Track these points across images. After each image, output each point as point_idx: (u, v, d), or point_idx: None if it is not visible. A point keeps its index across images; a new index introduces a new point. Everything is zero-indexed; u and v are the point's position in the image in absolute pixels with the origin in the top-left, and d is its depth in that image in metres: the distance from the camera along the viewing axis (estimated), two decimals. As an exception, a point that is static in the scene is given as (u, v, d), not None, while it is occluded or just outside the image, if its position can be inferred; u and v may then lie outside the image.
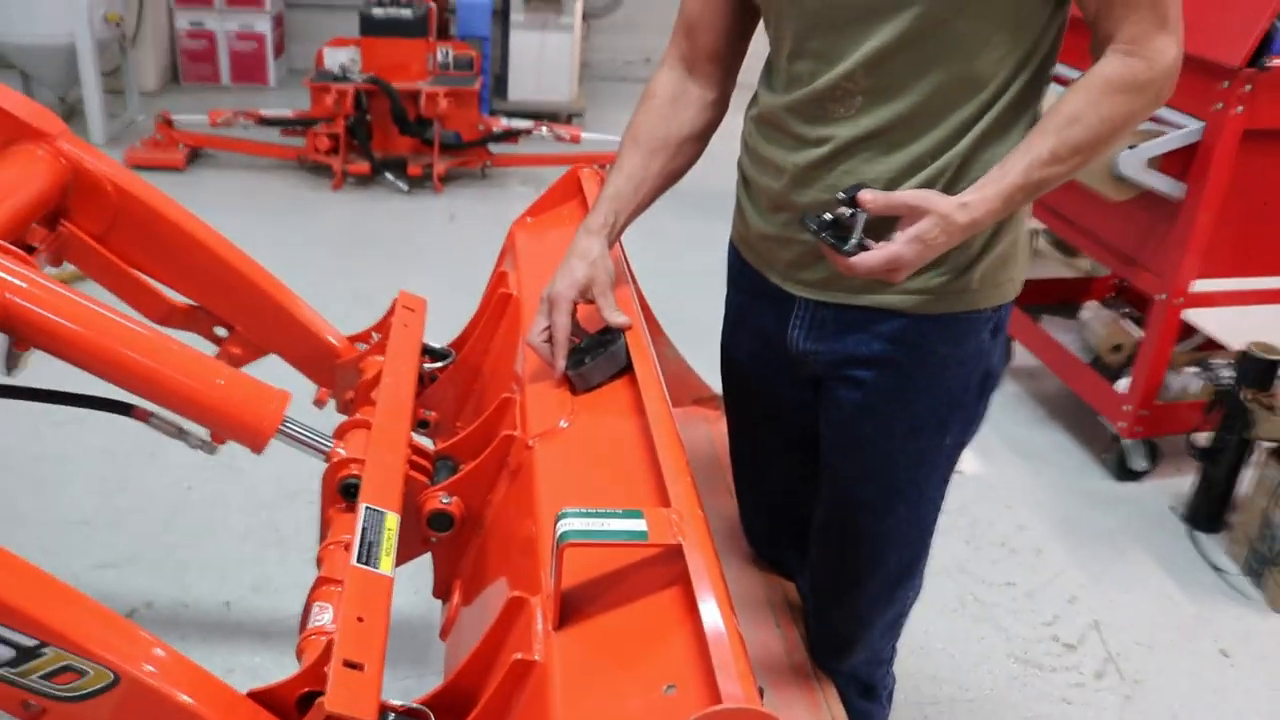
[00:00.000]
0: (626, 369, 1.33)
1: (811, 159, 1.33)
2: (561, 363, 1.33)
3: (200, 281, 1.72)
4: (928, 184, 1.27)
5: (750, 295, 1.52)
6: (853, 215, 1.23)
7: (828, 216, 1.24)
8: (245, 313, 1.73)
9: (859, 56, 1.27)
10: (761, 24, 1.45)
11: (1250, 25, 2.60)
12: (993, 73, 1.27)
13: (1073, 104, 1.23)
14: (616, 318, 1.36)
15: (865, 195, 1.21)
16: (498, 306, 1.58)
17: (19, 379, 1.35)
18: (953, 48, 1.24)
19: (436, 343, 1.70)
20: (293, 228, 4.47)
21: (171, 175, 4.91)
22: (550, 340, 1.35)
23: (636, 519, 0.96)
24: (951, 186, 1.28)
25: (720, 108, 1.53)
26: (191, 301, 1.76)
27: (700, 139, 1.51)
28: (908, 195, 1.21)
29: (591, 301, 1.39)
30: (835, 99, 1.30)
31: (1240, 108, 2.65)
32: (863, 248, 1.21)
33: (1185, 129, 2.72)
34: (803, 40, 1.33)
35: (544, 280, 1.41)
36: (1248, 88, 2.62)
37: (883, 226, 1.23)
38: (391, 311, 1.70)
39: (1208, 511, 2.96)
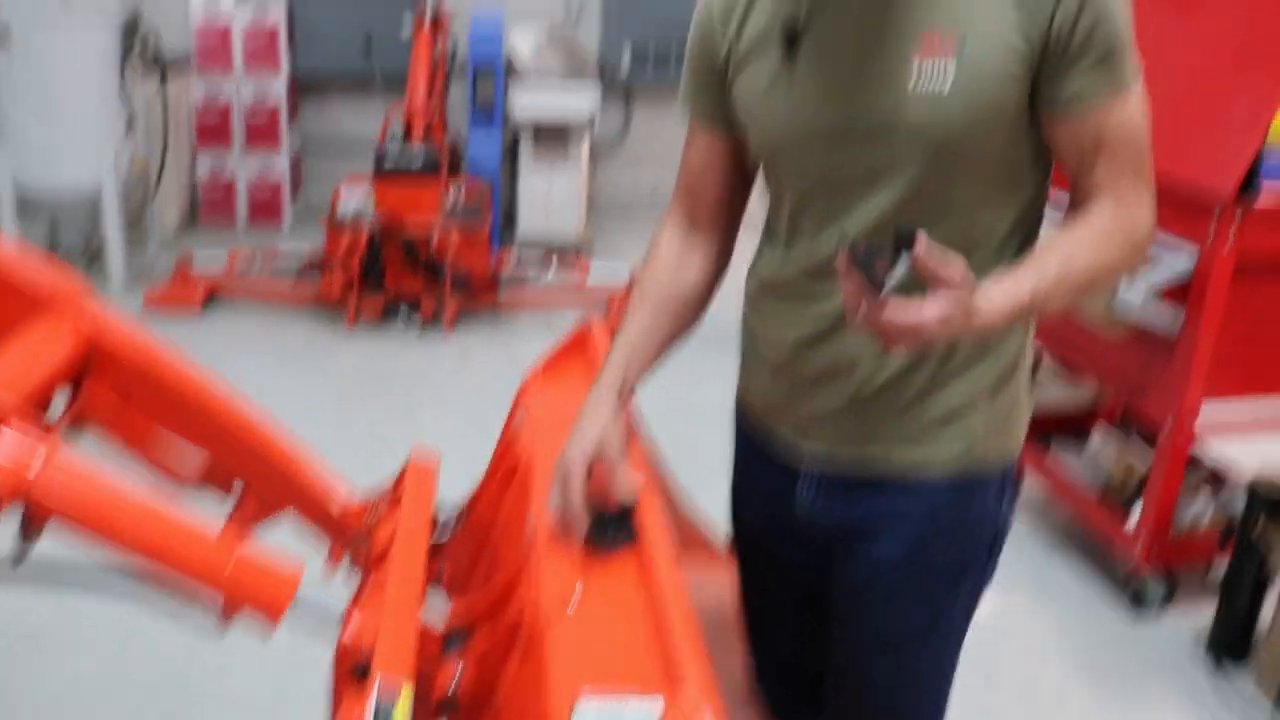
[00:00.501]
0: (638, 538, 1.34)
1: (814, 327, 1.36)
2: (577, 535, 1.32)
3: (216, 443, 1.75)
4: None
5: (757, 457, 1.54)
6: (896, 261, 1.11)
7: (870, 250, 1.13)
8: (259, 473, 1.75)
9: (861, 220, 1.31)
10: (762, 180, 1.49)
11: (1237, 159, 2.67)
12: (990, 230, 1.31)
13: (1073, 242, 1.26)
14: (627, 488, 1.36)
15: (922, 243, 1.09)
16: (508, 469, 1.61)
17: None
18: (951, 209, 1.29)
19: (450, 491, 1.70)
20: (308, 371, 4.54)
21: (188, 319, 5.00)
22: (565, 511, 1.34)
23: (652, 707, 0.96)
24: (953, 349, 1.32)
25: (724, 260, 1.55)
26: (207, 462, 1.78)
27: (706, 294, 1.54)
28: (956, 266, 1.12)
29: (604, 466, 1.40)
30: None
31: (1232, 239, 2.70)
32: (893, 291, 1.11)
33: (1179, 260, 2.77)
34: (803, 202, 1.37)
35: (555, 440, 1.42)
36: (1238, 219, 2.68)
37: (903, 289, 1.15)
38: (405, 471, 1.72)
39: (1231, 642, 2.90)
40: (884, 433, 1.38)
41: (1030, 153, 1.31)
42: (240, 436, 1.73)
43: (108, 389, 1.68)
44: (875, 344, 1.29)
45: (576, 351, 1.83)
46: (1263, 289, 2.83)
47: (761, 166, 1.46)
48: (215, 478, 1.78)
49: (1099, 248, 1.26)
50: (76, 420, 1.66)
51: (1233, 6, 2.91)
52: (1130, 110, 1.27)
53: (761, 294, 1.48)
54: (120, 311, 1.69)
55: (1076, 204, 1.31)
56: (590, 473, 1.35)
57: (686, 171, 1.53)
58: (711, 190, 1.51)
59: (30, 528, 1.29)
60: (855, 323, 1.14)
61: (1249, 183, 2.68)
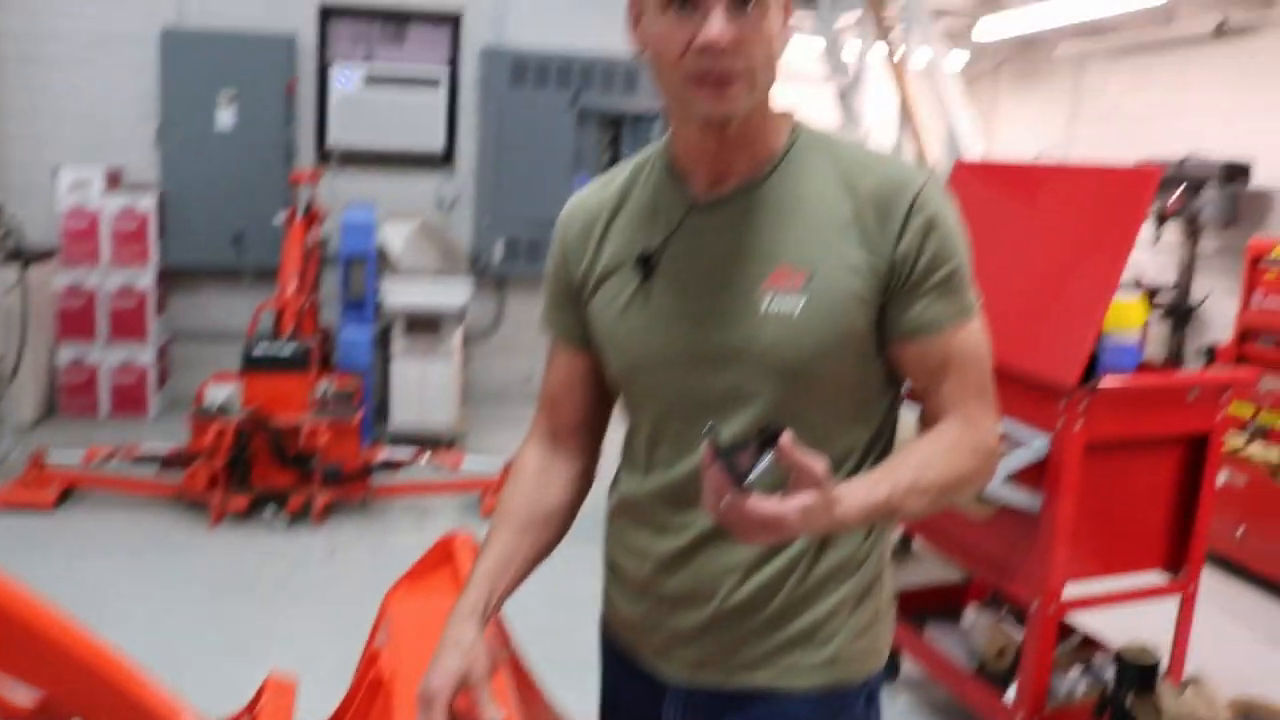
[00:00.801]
0: None
1: (673, 547, 1.37)
2: None
3: (49, 674, 1.63)
4: (790, 564, 1.34)
5: (623, 674, 1.51)
6: (761, 455, 1.12)
7: (732, 446, 1.14)
8: (99, 706, 1.64)
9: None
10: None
11: (1077, 349, 2.83)
12: (845, 454, 1.35)
13: (927, 451, 1.30)
14: (491, 716, 1.31)
15: (787, 441, 1.10)
16: (369, 692, 1.54)
17: None
18: (804, 437, 1.30)
19: (316, 704, 1.62)
20: (166, 571, 4.33)
21: (40, 516, 4.76)
22: None
23: None
24: (812, 565, 1.34)
25: (587, 479, 1.55)
26: (40, 696, 1.66)
27: (569, 511, 1.52)
28: (815, 463, 1.13)
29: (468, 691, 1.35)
30: (695, 486, 1.35)
31: (1079, 424, 2.84)
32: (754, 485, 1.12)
33: (1033, 445, 2.89)
34: (660, 426, 1.39)
35: (417, 658, 1.37)
36: (1083, 406, 2.83)
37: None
38: (259, 696, 1.64)
39: (1112, 820, 2.92)
40: (747, 651, 1.38)
41: (882, 375, 1.36)
42: (79, 670, 1.62)
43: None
44: (735, 564, 1.32)
45: (440, 564, 1.80)
46: (1110, 468, 2.95)
47: (620, 391, 1.48)
48: (50, 714, 1.67)
49: (950, 459, 1.30)
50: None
51: (1067, 203, 3.13)
52: (973, 335, 1.34)
53: (621, 515, 1.49)
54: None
55: (926, 420, 1.36)
56: (453, 700, 1.30)
57: (548, 387, 1.54)
58: (573, 407, 1.52)
59: None
60: (716, 517, 1.14)
61: (1091, 370, 2.84)
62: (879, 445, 1.39)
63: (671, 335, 1.35)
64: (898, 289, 1.29)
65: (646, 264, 1.36)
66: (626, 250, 1.39)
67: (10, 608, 1.57)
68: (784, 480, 1.14)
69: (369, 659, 1.63)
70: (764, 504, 1.11)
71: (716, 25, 1.19)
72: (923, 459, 1.28)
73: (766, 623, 1.37)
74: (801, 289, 1.28)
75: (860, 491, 1.21)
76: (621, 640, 1.51)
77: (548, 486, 1.50)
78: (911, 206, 1.28)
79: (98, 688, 1.63)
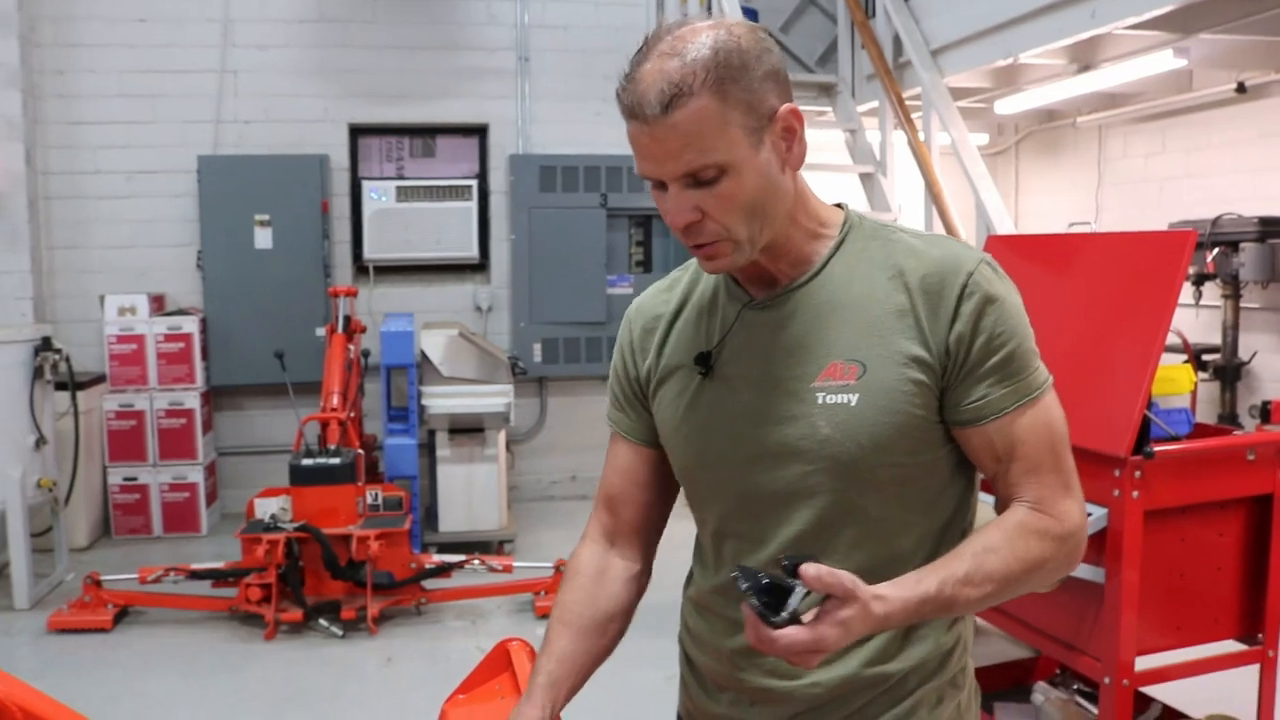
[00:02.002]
0: None
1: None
2: None
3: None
4: (870, 658, 1.33)
5: None
6: (793, 587, 1.15)
7: (764, 580, 1.16)
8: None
9: (781, 539, 1.33)
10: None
11: (1126, 417, 2.81)
12: (914, 551, 1.33)
13: (990, 536, 1.27)
14: None
15: (809, 570, 1.14)
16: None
17: None
18: (870, 530, 1.31)
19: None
20: (222, 686, 4.32)
21: (98, 636, 4.79)
22: None
23: None
24: (895, 657, 1.34)
25: (644, 578, 1.55)
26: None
27: (628, 613, 1.52)
28: (844, 579, 1.15)
29: None
30: None
31: (1136, 492, 2.80)
32: (794, 621, 1.15)
33: (1092, 516, 2.85)
34: (726, 523, 1.39)
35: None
36: (1138, 474, 2.79)
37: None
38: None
39: None
40: None
41: (950, 464, 1.35)
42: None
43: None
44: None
45: (498, 670, 1.79)
46: (1171, 536, 2.90)
47: (684, 489, 1.48)
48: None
49: (1015, 546, 1.26)
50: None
51: (1104, 271, 3.13)
52: (1042, 415, 1.31)
53: (694, 610, 1.49)
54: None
55: (999, 509, 1.34)
56: None
57: (608, 485, 1.54)
58: (633, 505, 1.52)
59: None
60: (760, 650, 1.15)
61: (1143, 437, 2.81)
62: (952, 536, 1.36)
63: (731, 433, 1.36)
64: (955, 375, 1.28)
65: (706, 362, 1.38)
66: (687, 350, 1.41)
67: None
68: (821, 598, 1.15)
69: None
70: (795, 634, 1.13)
71: (673, 210, 1.25)
72: (983, 547, 1.26)
73: (850, 716, 1.35)
74: (856, 383, 1.28)
75: (904, 589, 1.20)
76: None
77: (606, 587, 1.50)
78: (963, 291, 1.28)
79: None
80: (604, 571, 1.51)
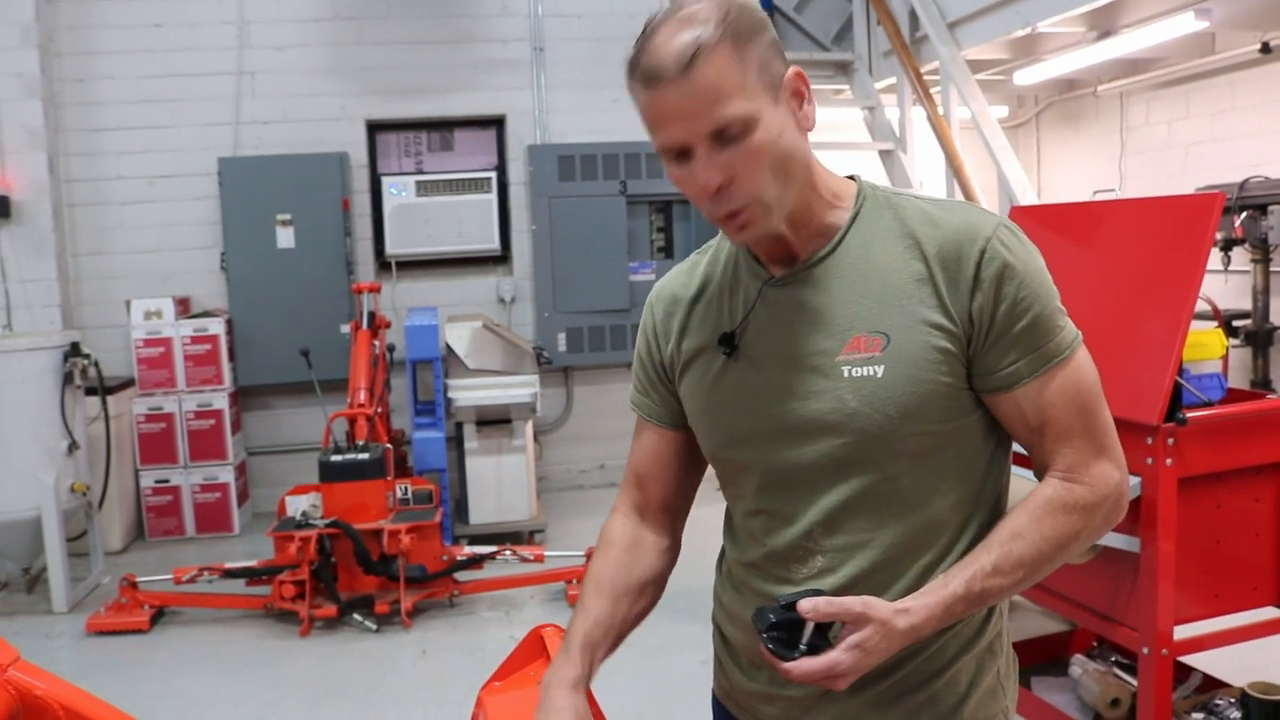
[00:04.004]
0: None
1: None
2: None
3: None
4: None
5: None
6: (802, 628, 1.20)
7: (780, 618, 1.21)
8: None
9: (814, 515, 1.32)
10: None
11: (1157, 385, 2.77)
12: (948, 518, 1.32)
13: (1017, 520, 1.27)
14: None
15: (804, 605, 1.19)
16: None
17: None
18: (904, 501, 1.30)
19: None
20: (260, 681, 4.36)
21: (136, 637, 4.84)
22: None
23: None
24: (936, 634, 1.30)
25: (674, 552, 1.56)
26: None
27: (659, 583, 1.53)
28: (851, 602, 1.20)
29: None
30: (796, 559, 1.35)
31: (1170, 460, 2.76)
32: (813, 651, 1.19)
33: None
34: (758, 499, 1.39)
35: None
36: (1171, 441, 2.76)
37: (829, 627, 1.22)
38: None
39: None
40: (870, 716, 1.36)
41: (981, 429, 1.33)
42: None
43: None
44: None
45: (533, 656, 1.79)
46: (1208, 503, 2.87)
47: (714, 469, 1.49)
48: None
49: (1044, 525, 1.26)
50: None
51: (1130, 239, 3.09)
52: (1071, 377, 1.29)
53: (727, 587, 1.49)
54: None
55: (1038, 475, 1.33)
56: None
57: (635, 465, 1.56)
58: (660, 485, 1.54)
59: None
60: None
61: (1175, 404, 2.77)
62: (986, 501, 1.35)
63: (758, 411, 1.36)
64: (980, 344, 1.27)
65: (730, 342, 1.38)
66: (711, 330, 1.42)
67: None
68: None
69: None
70: (805, 665, 1.18)
71: (703, 174, 1.23)
72: (1010, 533, 1.26)
73: (889, 692, 1.34)
74: (880, 355, 1.28)
75: (930, 595, 1.23)
76: (738, 713, 1.49)
77: (639, 559, 1.51)
78: (982, 258, 1.26)
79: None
80: (636, 542, 1.53)
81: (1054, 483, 1.29)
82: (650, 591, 1.51)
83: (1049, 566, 1.28)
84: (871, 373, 1.27)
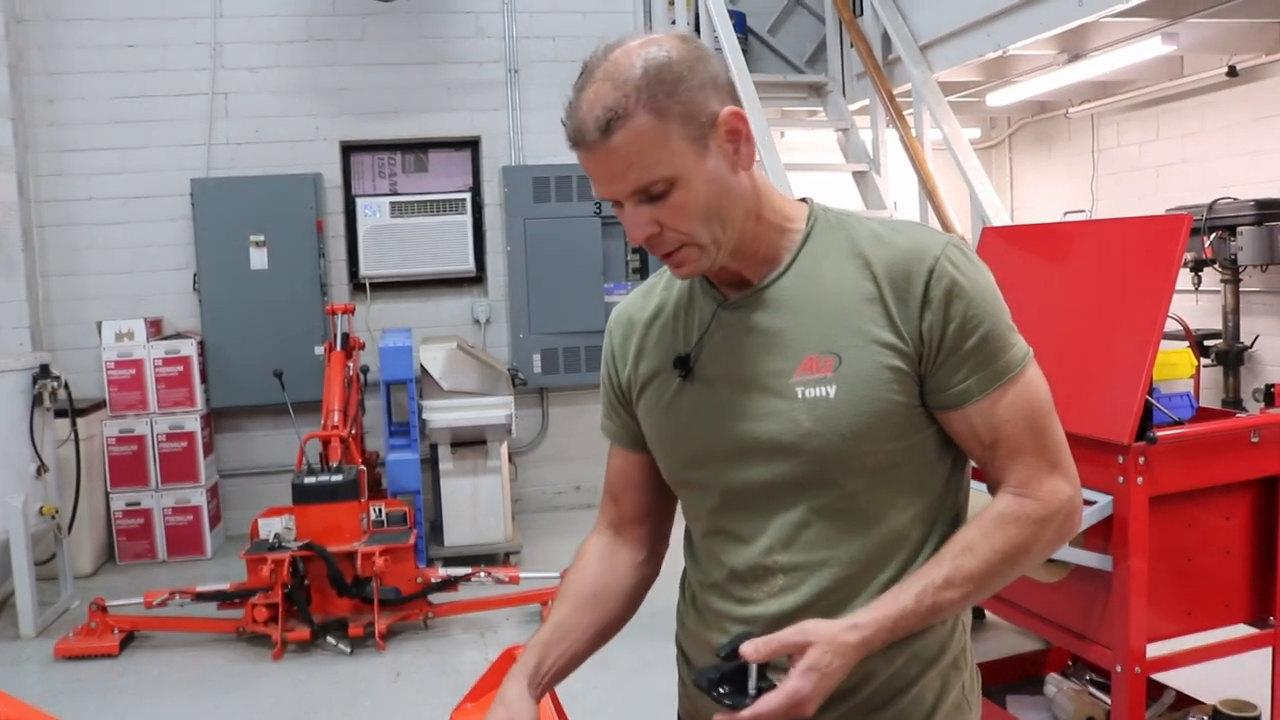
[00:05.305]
0: None
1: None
2: None
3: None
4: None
5: None
6: (743, 668, 1.21)
7: (719, 673, 1.21)
8: None
9: (772, 535, 1.33)
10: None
11: (1128, 404, 2.79)
12: (907, 533, 1.33)
13: (968, 535, 1.29)
14: None
15: (746, 649, 1.20)
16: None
17: None
18: (862, 518, 1.31)
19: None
20: (233, 706, 4.30)
21: (105, 662, 4.76)
22: None
23: None
24: (896, 649, 1.31)
25: (652, 566, 1.56)
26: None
27: (631, 596, 1.53)
28: (788, 634, 1.21)
29: None
30: (756, 578, 1.35)
31: (1141, 478, 2.78)
32: (761, 692, 1.19)
33: (1097, 504, 2.83)
34: (716, 519, 1.39)
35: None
36: (1142, 460, 2.77)
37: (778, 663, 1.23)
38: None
39: None
40: None
41: (936, 444, 1.34)
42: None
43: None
44: None
45: (502, 678, 1.78)
46: (1177, 521, 2.88)
47: (674, 489, 1.50)
48: None
49: (995, 538, 1.28)
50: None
51: (1100, 258, 3.12)
52: (1020, 395, 1.30)
53: (689, 609, 1.49)
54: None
55: (991, 490, 1.34)
56: None
57: (609, 483, 1.57)
58: (634, 502, 1.55)
59: None
60: None
61: (1146, 423, 2.79)
62: (945, 515, 1.36)
63: (714, 432, 1.36)
64: (931, 362, 1.29)
65: (684, 365, 1.39)
66: (666, 353, 1.43)
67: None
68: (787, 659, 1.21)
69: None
70: (765, 702, 1.18)
71: (631, 227, 1.29)
72: (961, 548, 1.28)
73: (855, 711, 1.34)
74: (832, 375, 1.29)
75: (880, 608, 1.24)
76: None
77: (611, 570, 1.52)
78: (930, 277, 1.28)
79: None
80: (609, 557, 1.54)
81: (1006, 498, 1.30)
82: (619, 602, 1.51)
83: (1000, 580, 1.29)
84: (824, 393, 1.29)
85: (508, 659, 1.79)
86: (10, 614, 5.25)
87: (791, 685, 1.18)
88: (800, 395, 1.30)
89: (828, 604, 1.30)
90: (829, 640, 1.20)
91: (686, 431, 1.40)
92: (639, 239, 1.29)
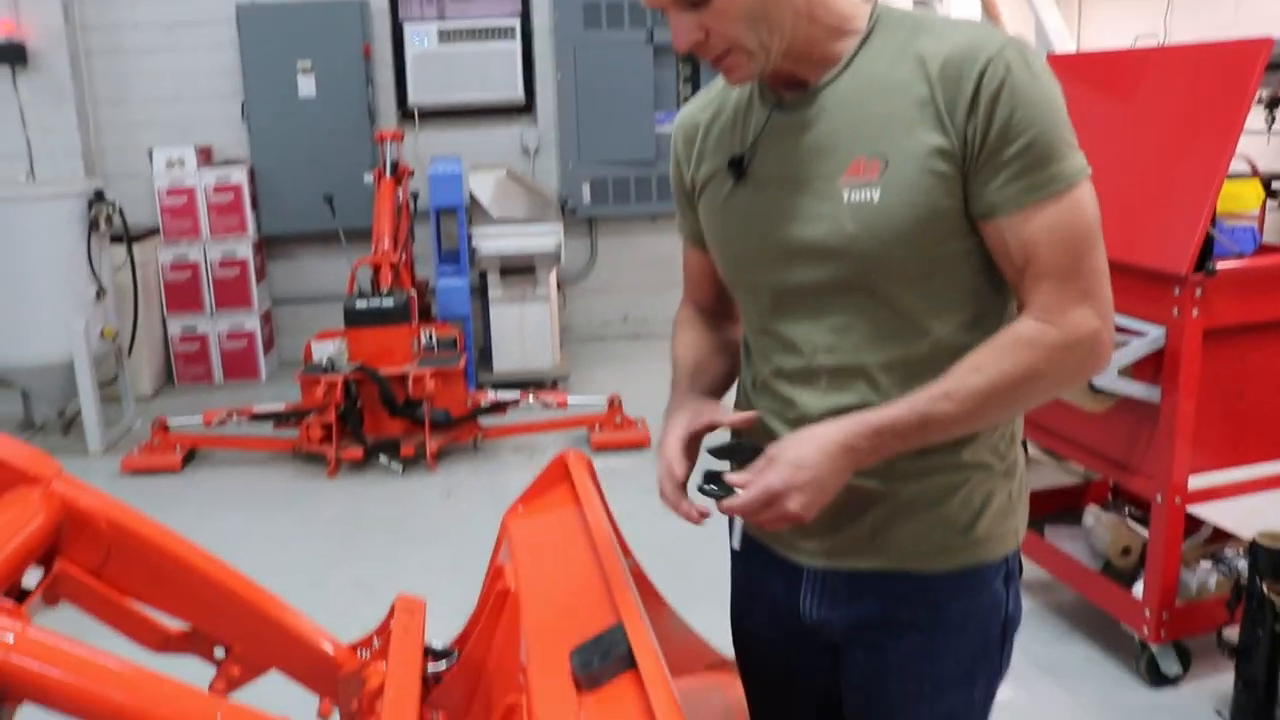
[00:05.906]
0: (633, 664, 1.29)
1: (797, 424, 1.36)
2: (689, 509, 1.35)
3: (195, 606, 1.71)
4: (924, 450, 1.33)
5: (757, 566, 1.52)
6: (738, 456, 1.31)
7: (715, 471, 1.31)
8: (241, 632, 1.71)
9: (818, 336, 1.34)
10: None
11: (1188, 234, 2.72)
12: (950, 341, 1.31)
13: (980, 354, 1.26)
14: (732, 418, 1.42)
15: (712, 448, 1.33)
16: (496, 602, 1.58)
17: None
18: (906, 324, 1.30)
19: (441, 631, 1.68)
20: (291, 520, 4.49)
21: (168, 478, 4.97)
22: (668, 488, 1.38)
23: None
24: (951, 453, 1.34)
25: (739, 333, 1.59)
26: (187, 626, 1.74)
27: (736, 349, 1.58)
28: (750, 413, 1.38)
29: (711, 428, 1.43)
30: (802, 379, 1.37)
31: (1196, 311, 2.73)
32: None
33: (1148, 336, 2.80)
34: (767, 320, 1.41)
35: (541, 571, 1.42)
36: (1199, 292, 2.72)
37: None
38: (391, 615, 1.69)
39: (1255, 709, 2.83)
40: (886, 534, 1.38)
41: (979, 260, 1.31)
42: (222, 604, 1.70)
43: (81, 565, 1.65)
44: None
45: (556, 482, 1.83)
46: (1232, 355, 2.85)
47: (729, 289, 1.51)
48: (197, 645, 1.74)
49: (1004, 359, 1.24)
50: (50, 597, 1.63)
51: (1168, 87, 3.00)
52: (1062, 215, 1.24)
53: (745, 403, 1.51)
54: (95, 484, 1.67)
55: (1020, 309, 1.30)
56: (687, 449, 1.40)
57: (687, 275, 1.64)
58: (710, 292, 1.61)
59: (3, 705, 1.26)
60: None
61: (1205, 256, 2.72)
62: (989, 326, 1.32)
63: (763, 234, 1.37)
64: (973, 166, 1.24)
65: (739, 166, 1.39)
66: (723, 156, 1.42)
67: (160, 548, 1.65)
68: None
69: (494, 574, 1.67)
70: (743, 498, 1.25)
71: (676, 36, 1.28)
72: (972, 365, 1.25)
73: (904, 506, 1.36)
74: (878, 179, 1.26)
75: (870, 411, 1.27)
76: (756, 529, 1.50)
77: (713, 330, 1.60)
78: (982, 78, 1.22)
79: (241, 617, 1.70)
80: (708, 321, 1.62)
81: (1028, 322, 1.26)
82: (730, 351, 1.57)
83: (1007, 405, 1.27)
84: (869, 197, 1.27)
85: (560, 464, 1.84)
86: (78, 431, 5.46)
87: (763, 478, 1.24)
88: (846, 198, 1.28)
89: (871, 409, 1.29)
90: (799, 436, 1.26)
91: (738, 233, 1.41)
92: (684, 47, 1.27)
